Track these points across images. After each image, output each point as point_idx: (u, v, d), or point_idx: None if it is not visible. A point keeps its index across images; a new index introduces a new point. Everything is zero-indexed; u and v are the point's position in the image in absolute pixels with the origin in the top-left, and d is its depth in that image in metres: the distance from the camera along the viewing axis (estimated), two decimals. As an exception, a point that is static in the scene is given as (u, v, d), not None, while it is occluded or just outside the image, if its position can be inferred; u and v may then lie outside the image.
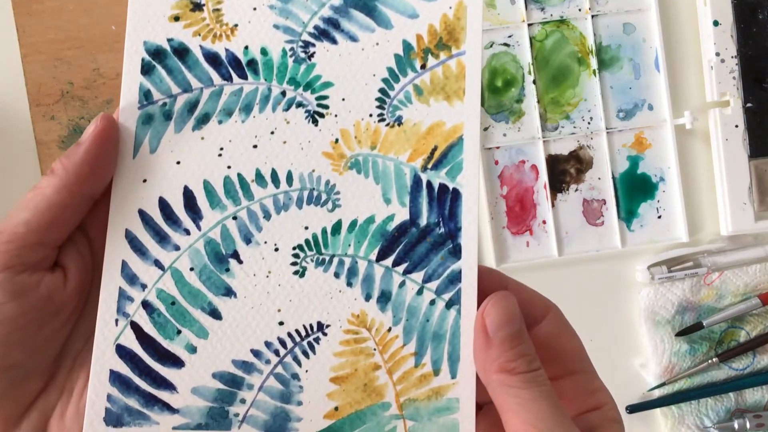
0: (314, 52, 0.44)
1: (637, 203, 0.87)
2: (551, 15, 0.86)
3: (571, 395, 0.43)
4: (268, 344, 0.43)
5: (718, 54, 0.86)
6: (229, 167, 0.44)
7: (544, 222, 0.87)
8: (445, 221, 0.43)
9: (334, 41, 0.44)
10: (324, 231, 0.43)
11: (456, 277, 0.43)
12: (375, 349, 0.43)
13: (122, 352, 0.43)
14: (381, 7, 0.44)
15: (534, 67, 0.86)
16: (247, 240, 0.43)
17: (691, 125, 0.85)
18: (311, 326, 0.43)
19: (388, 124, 0.44)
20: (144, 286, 0.43)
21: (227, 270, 0.43)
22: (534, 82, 0.86)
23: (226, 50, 0.44)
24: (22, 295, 0.40)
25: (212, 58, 0.44)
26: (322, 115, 0.44)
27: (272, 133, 0.44)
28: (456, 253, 0.43)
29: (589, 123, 0.87)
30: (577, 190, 0.87)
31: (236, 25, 0.44)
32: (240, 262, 0.43)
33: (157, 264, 0.43)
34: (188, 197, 0.43)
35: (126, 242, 0.43)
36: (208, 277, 0.43)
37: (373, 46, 0.44)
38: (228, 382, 0.42)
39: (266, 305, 0.43)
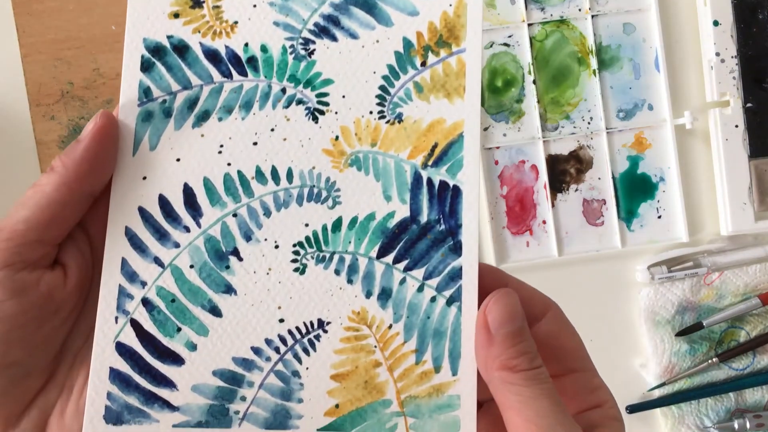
0: (314, 50, 0.44)
1: (637, 203, 0.87)
2: (551, 15, 0.86)
3: (571, 393, 0.43)
4: (268, 341, 0.43)
5: (718, 54, 0.86)
6: (229, 164, 0.43)
7: (544, 222, 0.87)
8: (446, 218, 0.43)
9: (334, 38, 0.44)
10: (324, 228, 0.43)
11: (457, 274, 0.43)
12: (376, 347, 0.43)
13: (122, 349, 0.43)
14: (381, 4, 0.44)
15: (534, 67, 0.86)
16: (248, 237, 0.43)
17: (691, 125, 0.85)
18: (312, 323, 0.43)
19: (388, 122, 0.44)
20: (144, 284, 0.43)
21: (227, 267, 0.43)
22: (534, 82, 0.86)
23: (226, 47, 0.44)
24: (22, 293, 0.40)
25: (212, 55, 0.44)
26: (322, 113, 0.44)
27: (272, 130, 0.44)
28: (457, 250, 0.43)
29: (589, 123, 0.86)
30: (577, 190, 0.87)
31: (236, 22, 0.44)
32: (240, 259, 0.43)
33: (157, 261, 0.43)
34: (188, 194, 0.43)
35: (126, 240, 0.43)
36: (208, 274, 0.43)
37: (373, 44, 0.44)
38: (228, 380, 0.42)
39: (266, 302, 0.43)
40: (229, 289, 0.43)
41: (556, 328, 0.44)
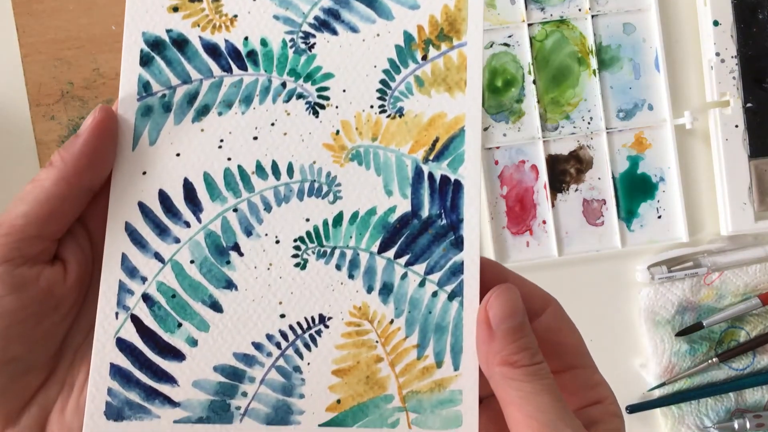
0: (314, 43, 0.44)
1: (637, 203, 0.87)
2: (551, 15, 0.86)
3: (571, 389, 0.43)
4: (269, 337, 0.43)
5: (718, 54, 0.86)
6: (229, 159, 0.43)
7: (544, 222, 0.86)
8: (447, 213, 0.43)
9: (334, 32, 0.44)
10: (325, 223, 0.43)
11: (458, 269, 0.43)
12: (377, 342, 0.43)
13: (123, 345, 0.42)
14: None
15: (534, 67, 0.86)
16: (248, 232, 0.43)
17: (691, 125, 0.85)
18: (313, 319, 0.43)
19: (389, 116, 0.44)
20: (144, 279, 0.43)
21: (228, 262, 0.43)
22: (534, 82, 0.86)
23: (226, 41, 0.44)
24: (21, 288, 0.40)
25: (212, 49, 0.44)
26: (322, 107, 0.44)
27: (273, 124, 0.44)
28: (458, 244, 0.43)
29: (589, 123, 0.86)
30: (577, 190, 0.87)
31: (236, 16, 0.44)
32: (241, 254, 0.43)
33: (158, 257, 0.43)
34: (188, 189, 0.43)
35: (126, 235, 0.43)
36: (208, 269, 0.43)
37: (373, 37, 0.44)
38: (229, 375, 0.42)
39: (267, 298, 0.43)
40: (229, 285, 0.43)
41: (555, 324, 0.44)
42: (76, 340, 0.43)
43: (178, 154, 0.43)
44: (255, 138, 0.43)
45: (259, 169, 0.43)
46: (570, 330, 0.45)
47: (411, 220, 0.43)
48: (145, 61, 0.44)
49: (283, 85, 0.44)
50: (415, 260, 0.43)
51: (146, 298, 0.43)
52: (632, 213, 0.87)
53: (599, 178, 0.87)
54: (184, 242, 0.43)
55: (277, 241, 0.43)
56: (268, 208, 0.43)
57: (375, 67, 0.44)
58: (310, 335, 0.43)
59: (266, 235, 0.43)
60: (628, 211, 0.87)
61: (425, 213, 0.43)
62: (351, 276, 0.43)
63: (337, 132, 0.43)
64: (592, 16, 0.86)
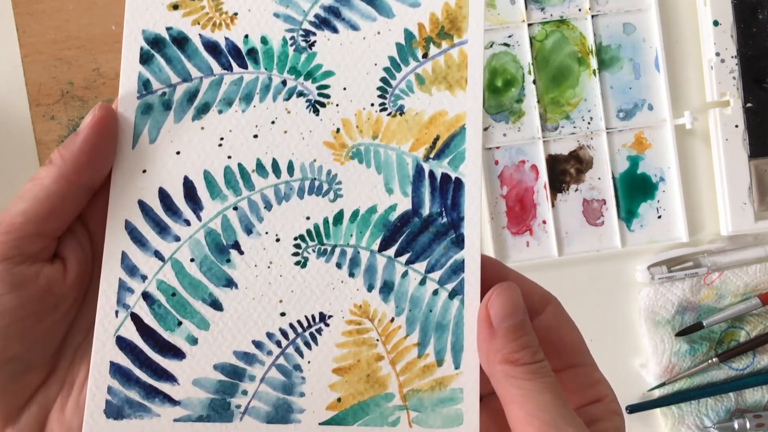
0: (315, 41, 0.44)
1: (637, 203, 0.87)
2: (551, 15, 0.86)
3: (571, 388, 0.43)
4: (269, 335, 0.43)
5: (718, 54, 0.86)
6: (229, 157, 0.43)
7: (544, 222, 0.86)
8: (448, 211, 0.43)
9: (335, 30, 0.44)
10: (326, 221, 0.43)
11: (459, 267, 0.43)
12: (378, 340, 0.42)
13: (122, 343, 0.42)
14: None
15: (534, 67, 0.86)
16: (248, 230, 0.43)
17: (691, 125, 0.85)
18: (313, 317, 0.43)
19: (389, 114, 0.44)
20: (144, 278, 0.43)
21: (228, 261, 0.43)
22: (534, 82, 0.86)
23: (226, 39, 0.44)
24: (21, 287, 0.40)
25: (212, 47, 0.44)
26: (323, 105, 0.44)
27: (273, 122, 0.43)
28: (459, 243, 0.43)
29: (589, 123, 0.86)
30: (577, 190, 0.87)
31: (236, 14, 0.44)
32: (241, 252, 0.43)
33: (158, 255, 0.43)
34: (188, 187, 0.43)
35: (126, 233, 0.43)
36: (208, 268, 0.43)
37: (374, 35, 0.44)
38: (229, 374, 0.42)
39: (268, 296, 0.43)
40: (230, 283, 0.43)
41: (555, 323, 0.44)
42: (76, 339, 0.43)
43: (178, 152, 0.43)
44: (255, 136, 0.43)
45: (260, 168, 0.43)
46: (570, 328, 0.45)
47: (412, 219, 0.43)
48: (145, 59, 0.44)
49: (284, 83, 0.44)
50: (416, 258, 0.43)
51: (146, 296, 0.43)
52: (632, 213, 0.87)
53: (599, 178, 0.87)
54: (185, 240, 0.43)
55: (278, 240, 0.43)
56: (268, 206, 0.43)
57: (376, 65, 0.44)
58: (311, 333, 0.43)
59: (266, 233, 0.43)
60: (628, 211, 0.87)
61: (426, 211, 0.43)
62: (351, 274, 0.43)
63: (338, 130, 0.43)
64: (592, 16, 0.86)
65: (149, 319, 0.43)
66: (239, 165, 0.43)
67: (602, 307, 0.88)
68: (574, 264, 0.88)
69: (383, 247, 0.43)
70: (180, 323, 0.43)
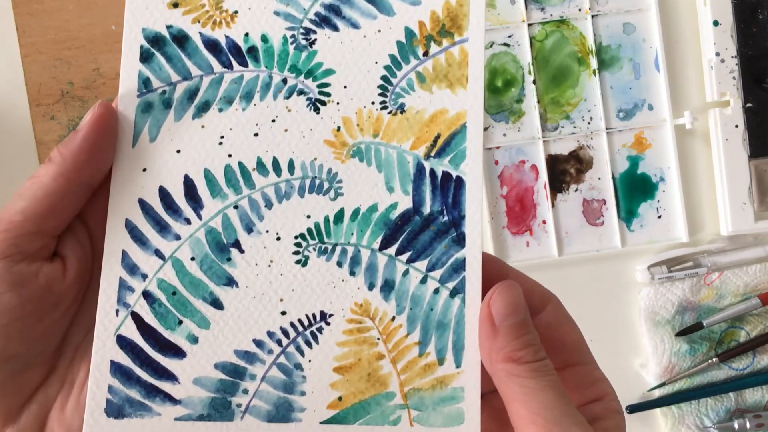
0: (315, 39, 0.44)
1: (637, 203, 0.87)
2: (551, 15, 0.86)
3: (572, 386, 0.43)
4: (270, 334, 0.42)
5: (718, 54, 0.86)
6: (229, 156, 0.43)
7: (544, 222, 0.86)
8: (449, 209, 0.43)
9: (335, 28, 0.44)
10: (326, 220, 0.43)
11: (460, 266, 0.43)
12: (378, 339, 0.42)
13: (123, 342, 0.42)
14: None
15: (534, 67, 0.86)
16: (249, 229, 0.43)
17: (691, 125, 0.85)
18: (314, 316, 0.43)
19: (390, 112, 0.43)
20: (144, 276, 0.43)
21: (228, 259, 0.43)
22: (534, 82, 0.86)
23: (226, 37, 0.44)
24: (20, 285, 0.40)
25: (212, 45, 0.44)
26: (323, 103, 0.43)
27: (273, 121, 0.43)
28: (460, 241, 0.43)
29: (589, 123, 0.86)
30: (577, 190, 0.87)
31: (236, 12, 0.44)
32: (241, 251, 0.43)
33: (158, 254, 0.43)
34: (189, 186, 0.43)
35: (126, 232, 0.43)
36: (209, 266, 0.43)
37: (375, 33, 0.44)
38: (230, 373, 0.42)
39: (268, 295, 0.43)
40: (230, 282, 0.43)
41: (556, 321, 0.44)
42: (76, 338, 0.43)
43: (178, 151, 0.43)
44: (256, 134, 0.43)
45: (260, 166, 0.43)
46: (570, 327, 0.45)
47: (412, 217, 0.43)
48: (145, 57, 0.44)
49: (284, 81, 0.44)
50: (417, 257, 0.43)
51: (147, 295, 0.43)
52: (632, 213, 0.87)
53: (599, 178, 0.87)
54: (185, 239, 0.43)
55: (278, 238, 0.43)
56: (268, 204, 0.43)
57: (376, 63, 0.44)
58: (312, 332, 0.42)
59: (267, 231, 0.43)
60: (628, 211, 0.87)
61: (427, 210, 0.43)
62: (352, 273, 0.43)
63: (338, 128, 0.43)
64: (592, 16, 0.86)
65: (150, 318, 0.42)
66: (240, 163, 0.43)
67: (602, 307, 0.88)
68: (574, 264, 0.88)
69: (384, 245, 0.43)
70: (180, 322, 0.42)
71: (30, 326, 0.40)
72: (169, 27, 0.44)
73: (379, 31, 0.44)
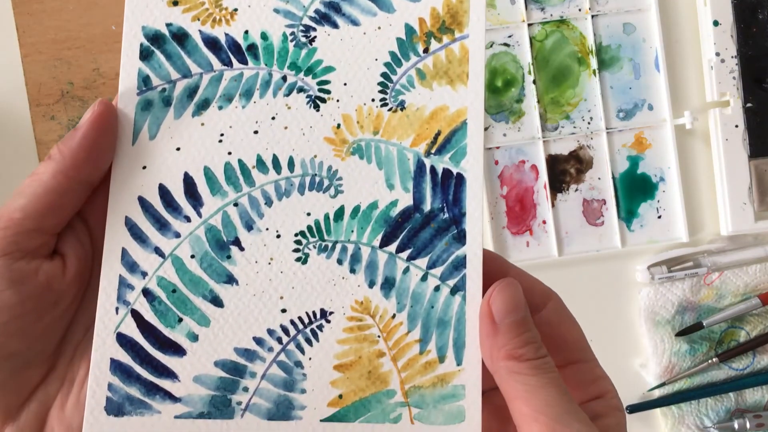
0: (315, 37, 0.44)
1: (637, 203, 0.87)
2: (551, 15, 0.86)
3: (573, 384, 0.43)
4: (270, 332, 0.42)
5: (718, 54, 0.86)
6: (229, 153, 0.43)
7: (544, 222, 0.86)
8: (450, 207, 0.43)
9: (335, 25, 0.44)
10: (326, 217, 0.43)
11: (461, 263, 0.43)
12: (379, 336, 0.42)
13: (123, 340, 0.42)
14: None
15: (534, 67, 0.86)
16: (249, 227, 0.43)
17: (691, 125, 0.85)
18: (314, 313, 0.42)
19: (390, 109, 0.43)
20: (144, 274, 0.43)
21: (228, 257, 0.43)
22: (534, 82, 0.86)
23: (226, 35, 0.44)
24: (20, 283, 0.40)
25: (212, 43, 0.44)
26: (323, 100, 0.43)
27: (273, 118, 0.43)
28: (461, 238, 0.43)
29: (589, 123, 0.86)
30: (577, 190, 0.87)
31: (236, 10, 0.44)
32: (241, 249, 0.43)
33: (158, 251, 0.43)
34: (188, 184, 0.43)
35: (126, 230, 0.43)
36: (209, 264, 0.43)
37: (374, 30, 0.44)
38: (230, 370, 0.42)
39: (268, 292, 0.43)
40: (230, 279, 0.43)
41: (556, 319, 0.44)
42: (76, 336, 0.43)
43: (178, 149, 0.43)
44: (255, 132, 0.43)
45: (260, 164, 0.43)
46: (571, 324, 0.45)
47: (413, 214, 0.43)
48: (145, 55, 0.44)
49: (284, 78, 0.44)
50: (417, 254, 0.43)
51: (146, 293, 0.43)
52: (632, 213, 0.87)
53: (599, 178, 0.87)
54: (185, 237, 0.43)
55: (278, 236, 0.43)
56: (268, 202, 0.43)
57: (376, 60, 0.44)
58: (312, 330, 0.42)
59: (267, 229, 0.43)
60: (628, 211, 0.87)
61: (427, 207, 0.43)
62: (352, 270, 0.43)
63: (338, 126, 0.43)
64: (592, 16, 0.86)
65: (150, 316, 0.42)
66: (239, 161, 0.43)
67: (602, 307, 0.88)
68: (574, 264, 0.88)
69: (384, 243, 0.43)
70: (180, 320, 0.42)
71: (30, 324, 0.40)
72: (168, 25, 0.44)
73: (379, 28, 0.44)
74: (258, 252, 0.43)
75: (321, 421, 0.42)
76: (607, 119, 0.86)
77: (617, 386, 0.44)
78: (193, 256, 0.43)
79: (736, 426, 0.84)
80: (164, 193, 0.43)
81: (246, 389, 0.42)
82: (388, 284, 0.43)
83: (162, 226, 0.43)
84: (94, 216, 0.43)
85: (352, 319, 0.42)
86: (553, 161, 0.86)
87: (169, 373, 0.42)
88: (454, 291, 0.42)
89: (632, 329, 0.88)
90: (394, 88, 0.43)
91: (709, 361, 0.86)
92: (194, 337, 0.42)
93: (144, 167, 0.43)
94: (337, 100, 0.43)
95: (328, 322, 0.42)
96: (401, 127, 0.43)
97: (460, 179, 0.43)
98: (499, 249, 0.86)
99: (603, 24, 0.87)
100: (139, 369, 0.42)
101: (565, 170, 0.86)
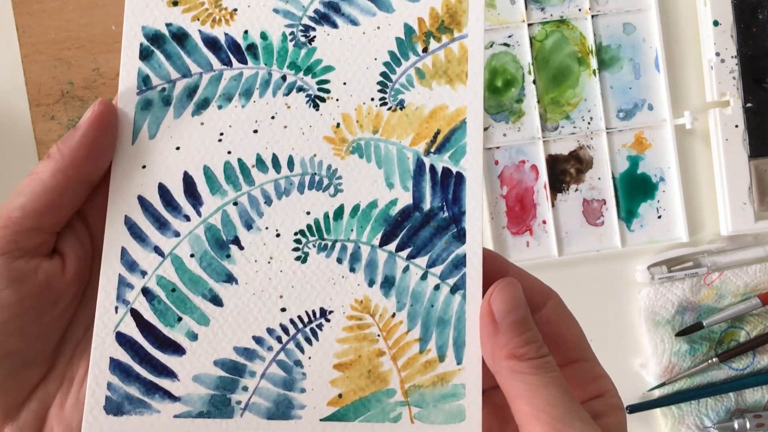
0: (315, 36, 0.44)
1: (637, 203, 0.87)
2: (551, 15, 0.86)
3: (573, 383, 0.43)
4: (270, 331, 0.42)
5: (718, 54, 0.85)
6: (229, 152, 0.43)
7: (544, 222, 0.86)
8: (449, 205, 0.43)
9: (334, 25, 0.44)
10: (326, 216, 0.43)
11: (461, 262, 0.43)
12: (379, 335, 0.42)
13: (122, 339, 0.42)
14: None
15: (534, 67, 0.86)
16: (248, 226, 0.43)
17: (691, 125, 0.85)
18: (314, 312, 0.42)
19: (390, 108, 0.43)
20: (144, 273, 0.43)
21: (228, 256, 0.43)
22: (534, 82, 0.86)
23: (226, 35, 0.44)
24: (19, 282, 0.40)
25: (211, 42, 0.44)
26: (323, 100, 0.43)
27: (273, 117, 0.43)
28: (460, 237, 0.43)
29: (589, 123, 0.86)
30: (577, 190, 0.87)
31: (235, 10, 0.44)
32: (241, 248, 0.43)
33: (157, 251, 0.43)
34: (188, 183, 0.43)
35: (125, 229, 0.43)
36: (208, 263, 0.43)
37: (374, 30, 0.44)
38: (230, 370, 0.42)
39: (268, 291, 0.43)
40: (230, 278, 0.43)
41: (556, 318, 0.44)
42: (76, 335, 0.43)
43: (177, 148, 0.43)
44: (255, 131, 0.43)
45: (260, 163, 0.43)
46: (571, 323, 0.45)
47: (412, 213, 0.43)
48: (145, 55, 0.44)
49: (283, 78, 0.44)
50: (417, 253, 0.43)
51: (146, 292, 0.43)
52: (632, 213, 0.87)
53: (599, 178, 0.87)
54: (184, 236, 0.43)
55: (278, 235, 0.43)
56: (268, 201, 0.43)
57: (375, 59, 0.44)
58: (311, 329, 0.42)
59: (267, 228, 0.43)
60: (628, 211, 0.87)
61: (427, 206, 0.43)
62: (352, 269, 0.43)
63: (338, 125, 0.43)
64: (592, 16, 0.86)
65: (149, 315, 0.42)
66: (239, 160, 0.43)
67: (602, 307, 0.88)
68: (574, 264, 0.87)
69: (384, 242, 0.43)
70: (180, 319, 0.42)
71: (29, 323, 0.40)
72: (168, 25, 0.44)
73: (378, 27, 0.44)
74: (257, 251, 0.43)
75: (321, 420, 0.42)
76: (607, 119, 0.86)
77: (617, 386, 0.44)
78: (192, 256, 0.43)
79: (736, 426, 0.84)
80: (164, 192, 0.43)
81: (245, 388, 0.42)
82: (388, 283, 0.43)
83: (161, 225, 0.43)
84: (93, 215, 0.43)
85: (352, 318, 0.42)
86: (553, 161, 0.86)
87: (168, 373, 0.42)
88: (453, 290, 0.42)
89: (632, 329, 0.88)
90: (393, 87, 0.43)
91: (709, 361, 0.85)
92: (194, 337, 0.42)
93: (144, 166, 0.43)
94: (337, 100, 0.43)
95: (328, 321, 0.42)
96: (401, 126, 0.43)
97: (460, 178, 0.43)
98: (499, 249, 0.86)
99: (603, 24, 0.87)
100: (138, 368, 0.42)
101: (565, 170, 0.86)
